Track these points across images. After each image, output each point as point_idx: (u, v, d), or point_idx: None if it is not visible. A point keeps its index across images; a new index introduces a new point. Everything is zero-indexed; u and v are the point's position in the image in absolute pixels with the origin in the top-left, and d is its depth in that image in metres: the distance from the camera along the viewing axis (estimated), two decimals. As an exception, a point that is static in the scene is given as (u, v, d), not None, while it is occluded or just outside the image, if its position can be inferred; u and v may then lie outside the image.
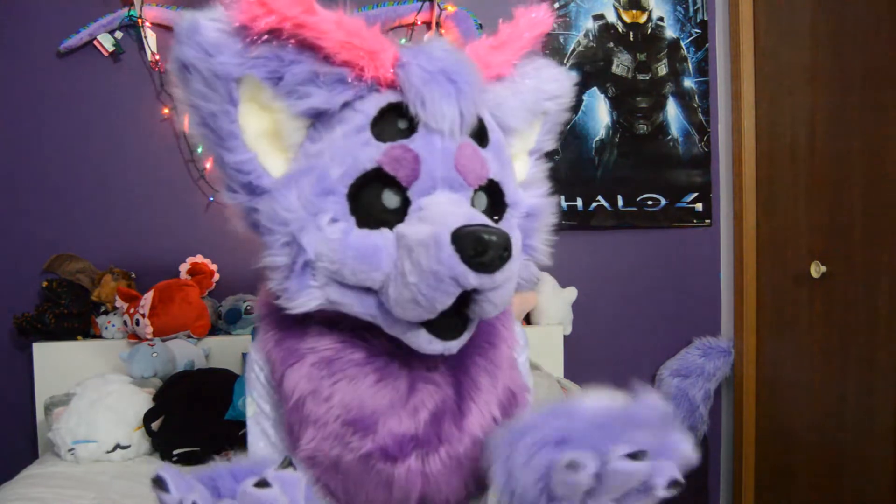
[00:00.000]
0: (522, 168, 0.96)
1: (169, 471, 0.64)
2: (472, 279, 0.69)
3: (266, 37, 0.73)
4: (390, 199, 0.76)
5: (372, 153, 0.75)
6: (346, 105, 0.77)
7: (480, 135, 0.82)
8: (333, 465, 0.79)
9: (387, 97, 0.78)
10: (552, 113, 0.96)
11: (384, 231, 0.75)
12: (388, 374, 0.81)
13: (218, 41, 0.73)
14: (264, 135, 0.79)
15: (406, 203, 0.77)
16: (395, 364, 0.82)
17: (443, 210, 0.73)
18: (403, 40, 2.16)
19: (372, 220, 0.76)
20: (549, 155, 0.95)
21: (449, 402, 0.82)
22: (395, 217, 0.76)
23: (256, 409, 0.88)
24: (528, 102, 0.91)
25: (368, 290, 0.76)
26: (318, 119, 0.78)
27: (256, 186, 0.78)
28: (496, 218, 0.84)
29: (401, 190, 0.76)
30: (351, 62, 0.75)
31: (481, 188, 0.81)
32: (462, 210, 0.74)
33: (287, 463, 0.65)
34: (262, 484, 0.62)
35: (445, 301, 0.71)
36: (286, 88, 0.75)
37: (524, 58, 0.91)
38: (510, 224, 0.85)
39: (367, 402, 0.79)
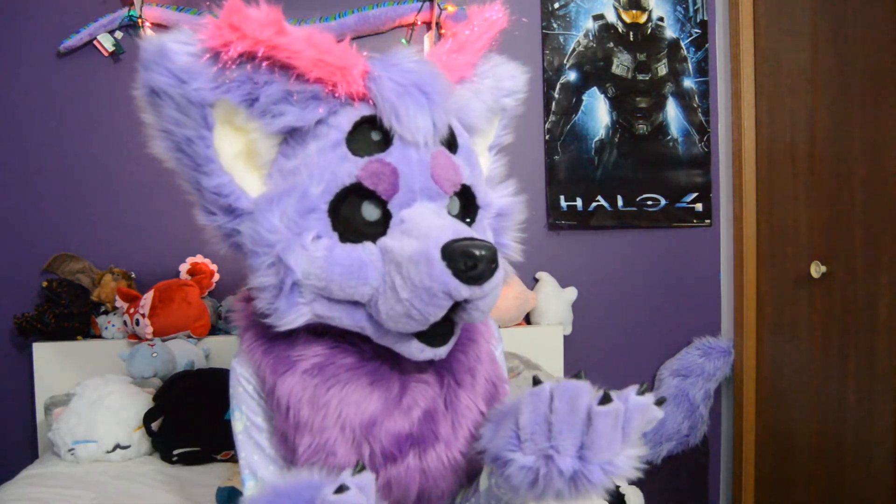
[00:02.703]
0: (484, 164, 0.98)
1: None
2: (464, 291, 0.71)
3: (239, 60, 0.73)
4: (370, 213, 0.77)
5: (350, 168, 0.76)
6: (319, 121, 0.78)
7: (450, 141, 0.83)
8: (333, 469, 0.79)
9: (359, 111, 0.78)
10: (509, 108, 0.99)
11: (367, 245, 0.76)
12: (380, 376, 0.82)
13: (189, 66, 0.72)
14: (239, 155, 0.79)
15: (386, 215, 0.77)
16: (385, 366, 0.83)
17: (427, 223, 0.74)
18: (403, 40, 2.16)
19: (354, 234, 0.77)
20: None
21: (438, 399, 0.83)
22: (376, 230, 0.77)
23: (247, 422, 0.87)
24: (488, 101, 0.93)
25: (356, 304, 0.77)
26: (291, 135, 0.79)
27: (236, 208, 0.78)
28: (468, 220, 0.85)
29: (380, 202, 0.77)
30: (324, 79, 0.75)
31: (454, 193, 0.82)
32: (446, 222, 0.75)
33: (361, 468, 0.65)
34: (342, 489, 0.61)
35: (438, 314, 0.73)
36: (261, 109, 0.75)
37: (482, 58, 0.93)
38: (482, 225, 0.87)
39: (362, 406, 0.80)
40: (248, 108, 0.75)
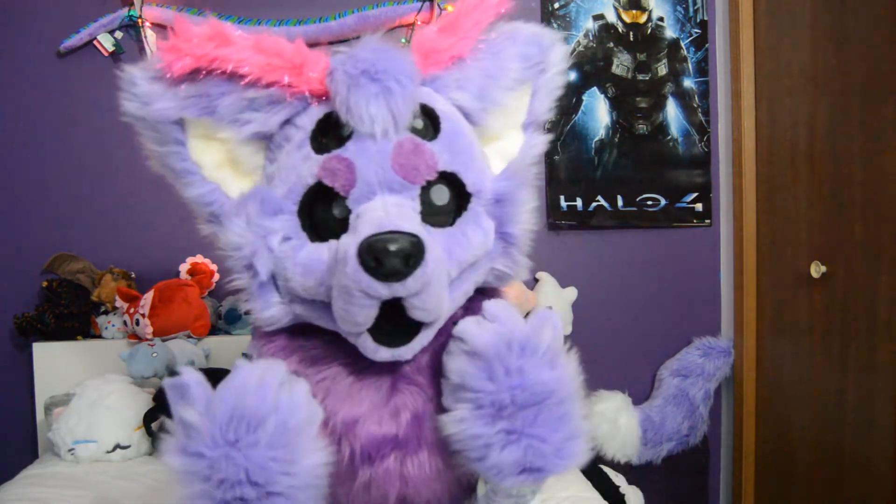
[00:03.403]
0: (514, 144, 0.91)
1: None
2: (381, 289, 0.68)
3: (191, 77, 0.76)
4: (339, 210, 0.77)
5: (312, 167, 0.76)
6: (287, 123, 0.79)
7: (434, 126, 0.80)
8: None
9: (322, 108, 0.78)
10: (540, 80, 0.90)
11: (332, 243, 0.75)
12: (371, 373, 0.82)
13: (150, 90, 0.78)
14: (225, 164, 0.82)
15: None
16: (378, 365, 0.81)
17: (367, 218, 0.72)
18: (403, 40, 2.16)
19: (323, 233, 0.77)
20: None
21: (430, 404, 0.81)
22: (342, 227, 0.76)
23: None
24: (500, 77, 0.85)
25: (325, 304, 0.76)
26: (271, 140, 0.80)
27: (219, 214, 0.81)
28: (464, 210, 0.81)
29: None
30: (277, 82, 0.76)
31: (440, 181, 0.79)
32: (383, 216, 0.71)
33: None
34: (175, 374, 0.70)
35: (364, 313, 0.70)
36: (225, 119, 0.78)
37: (486, 31, 0.86)
38: (475, 213, 0.81)
39: (347, 402, 0.79)
40: (212, 120, 0.78)
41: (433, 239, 0.72)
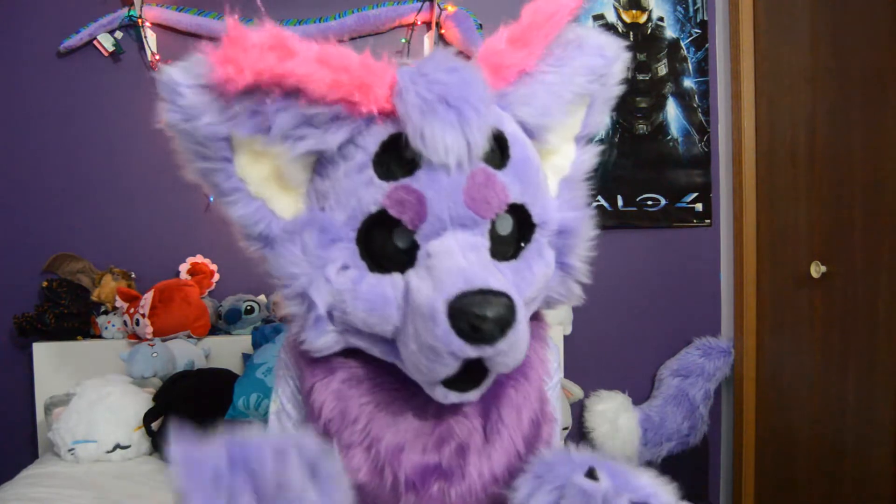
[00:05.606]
0: (566, 158, 0.87)
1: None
2: (472, 352, 0.65)
3: (245, 90, 0.68)
4: (402, 240, 0.72)
5: (375, 195, 0.71)
6: (346, 140, 0.72)
7: (501, 150, 0.75)
8: (356, 485, 0.78)
9: (387, 129, 0.72)
10: (598, 93, 0.84)
11: (395, 277, 0.71)
12: (418, 401, 0.79)
13: (197, 103, 0.69)
14: (270, 178, 0.75)
15: (417, 243, 0.72)
16: (423, 391, 0.78)
17: (447, 265, 0.68)
18: (403, 40, 2.15)
19: (384, 262, 0.72)
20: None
21: (475, 434, 0.78)
22: (407, 257, 0.72)
23: (279, 406, 0.87)
24: (564, 92, 0.80)
25: (384, 338, 0.73)
26: (323, 153, 0.74)
27: (267, 234, 0.76)
28: (522, 243, 0.77)
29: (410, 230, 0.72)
30: (342, 99, 0.69)
31: (504, 212, 0.75)
32: (466, 265, 0.68)
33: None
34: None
35: (447, 371, 0.68)
36: (278, 136, 0.70)
37: (553, 44, 0.80)
38: (539, 244, 0.78)
39: (392, 429, 0.77)
40: (264, 137, 0.71)
41: (507, 280, 0.70)
